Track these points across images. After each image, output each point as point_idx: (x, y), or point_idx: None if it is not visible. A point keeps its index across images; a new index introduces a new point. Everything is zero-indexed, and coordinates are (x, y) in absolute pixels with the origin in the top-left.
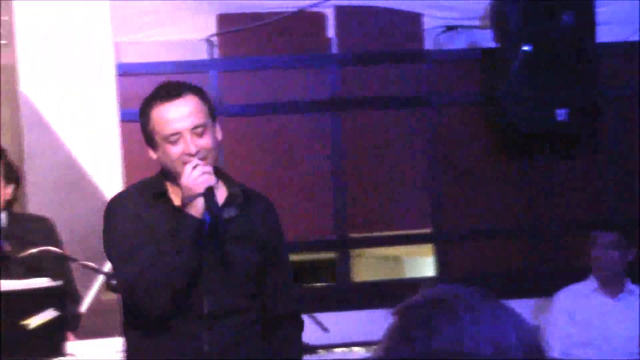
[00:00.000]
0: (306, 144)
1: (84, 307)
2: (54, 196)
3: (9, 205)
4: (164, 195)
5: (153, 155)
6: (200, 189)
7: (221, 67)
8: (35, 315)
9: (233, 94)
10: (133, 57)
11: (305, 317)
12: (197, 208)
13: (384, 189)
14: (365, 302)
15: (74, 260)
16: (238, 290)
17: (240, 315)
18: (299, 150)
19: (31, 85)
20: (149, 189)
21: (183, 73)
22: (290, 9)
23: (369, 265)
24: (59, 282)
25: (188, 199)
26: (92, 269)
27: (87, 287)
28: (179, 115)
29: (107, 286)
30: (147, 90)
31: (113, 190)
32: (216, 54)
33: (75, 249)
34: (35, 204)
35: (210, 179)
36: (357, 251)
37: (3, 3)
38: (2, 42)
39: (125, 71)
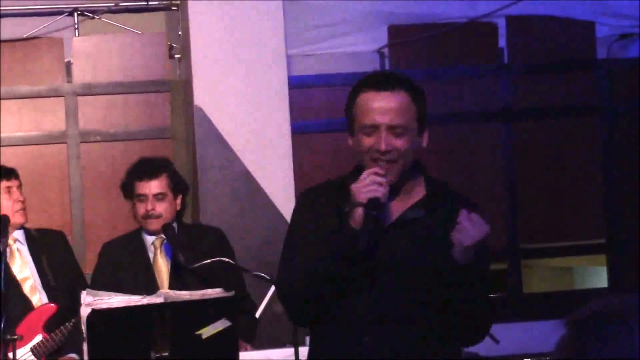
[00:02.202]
0: (477, 155)
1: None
2: (227, 208)
3: (178, 216)
4: (347, 193)
5: (350, 142)
6: (363, 198)
7: None
8: (208, 325)
9: None
10: (304, 69)
11: None
12: (355, 219)
13: (556, 199)
14: (536, 313)
15: (246, 270)
16: (407, 298)
17: (406, 326)
18: (469, 161)
19: (205, 99)
20: (338, 185)
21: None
22: (461, 20)
23: (540, 276)
24: (231, 292)
25: (349, 206)
26: (264, 279)
27: (260, 297)
28: (382, 108)
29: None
30: (319, 103)
31: (286, 202)
32: (387, 65)
33: (248, 259)
34: (208, 215)
35: (377, 191)
36: (528, 262)
37: (178, 18)
38: (177, 57)
39: (296, 83)
